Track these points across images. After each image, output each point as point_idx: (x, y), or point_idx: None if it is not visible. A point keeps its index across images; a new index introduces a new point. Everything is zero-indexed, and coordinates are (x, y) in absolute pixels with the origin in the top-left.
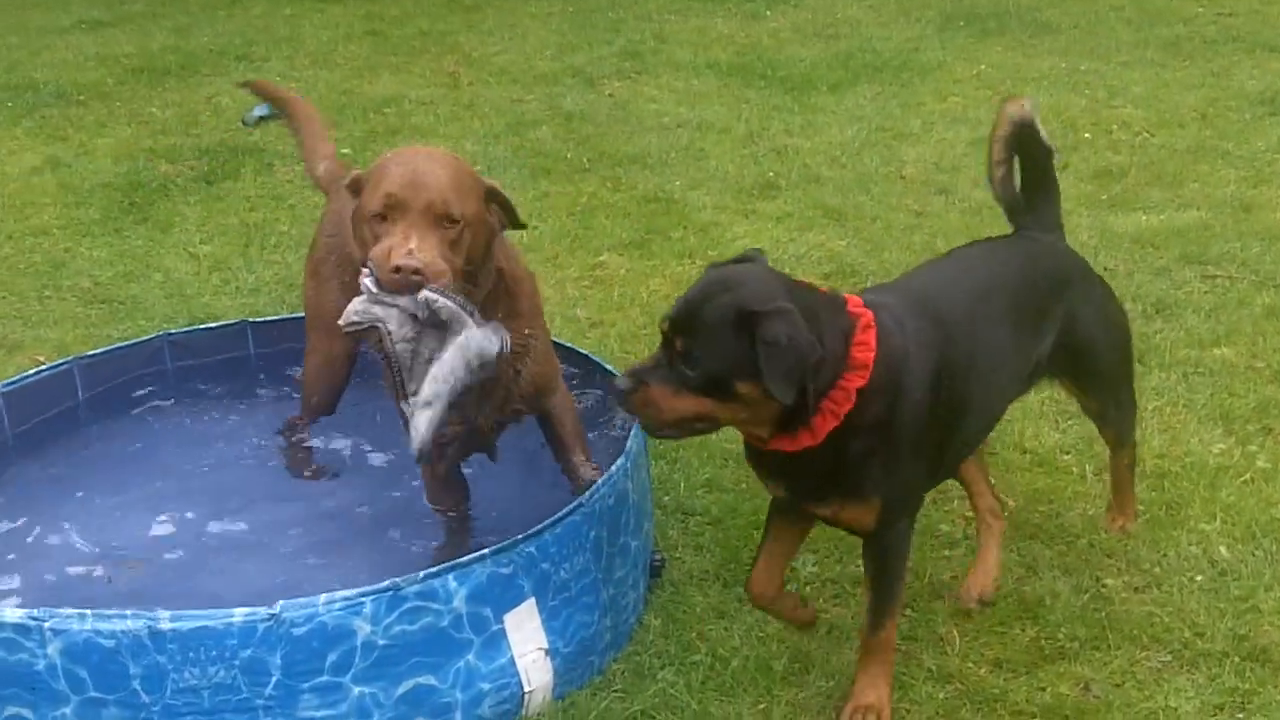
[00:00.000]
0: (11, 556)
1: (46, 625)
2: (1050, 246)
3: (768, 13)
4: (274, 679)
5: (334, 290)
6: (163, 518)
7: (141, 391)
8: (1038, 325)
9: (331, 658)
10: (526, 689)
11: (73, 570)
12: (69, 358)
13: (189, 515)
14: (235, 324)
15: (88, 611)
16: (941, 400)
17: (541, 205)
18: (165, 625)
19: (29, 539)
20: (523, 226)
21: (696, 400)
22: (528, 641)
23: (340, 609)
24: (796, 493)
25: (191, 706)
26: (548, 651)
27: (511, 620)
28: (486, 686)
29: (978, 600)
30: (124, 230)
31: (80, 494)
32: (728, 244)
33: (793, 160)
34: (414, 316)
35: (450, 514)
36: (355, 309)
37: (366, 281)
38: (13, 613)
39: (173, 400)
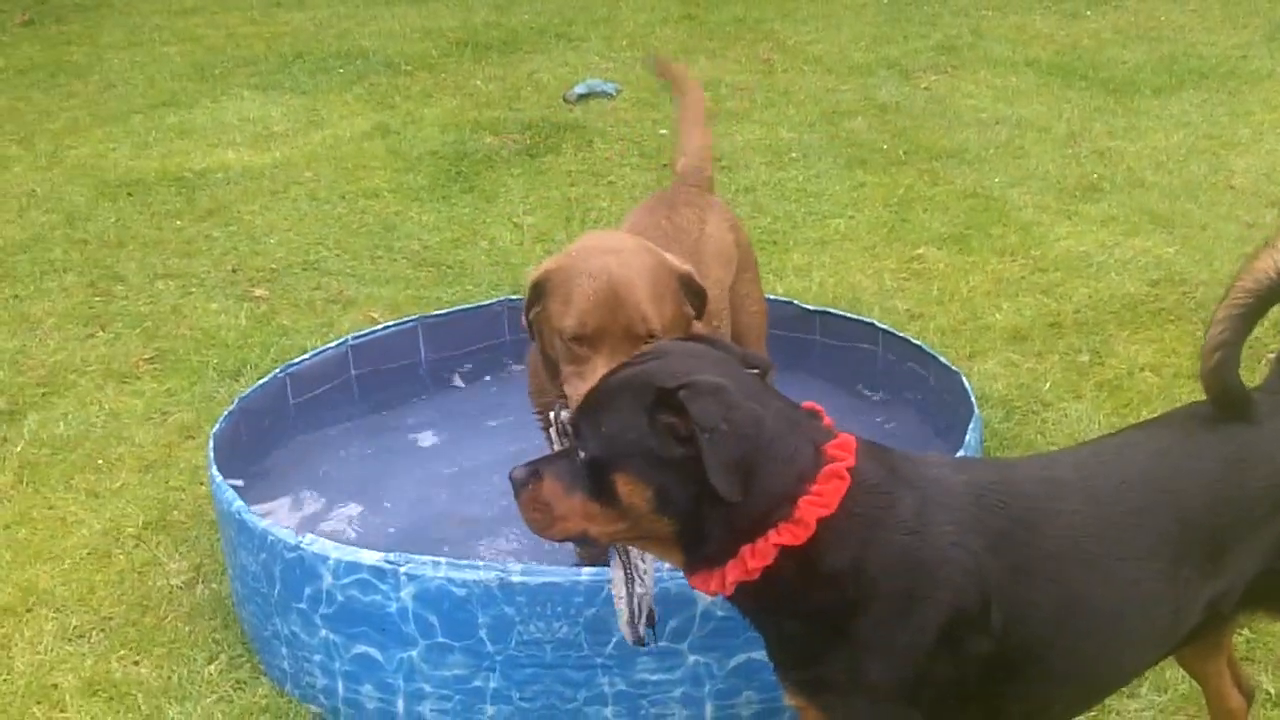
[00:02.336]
0: (354, 507)
1: (402, 570)
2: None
3: (1088, 12)
4: (615, 639)
5: None
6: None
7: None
8: (1221, 557)
9: (672, 624)
10: None
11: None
12: (412, 316)
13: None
14: None
15: (442, 560)
16: (966, 650)
17: (858, 195)
18: (516, 578)
19: (369, 490)
20: (702, 315)
21: (584, 502)
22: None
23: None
24: (770, 656)
25: (533, 659)
26: None
27: None
28: None
29: None
30: (451, 198)
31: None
32: (1050, 244)
33: (1116, 163)
34: None
35: None
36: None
37: (564, 415)
38: (371, 555)
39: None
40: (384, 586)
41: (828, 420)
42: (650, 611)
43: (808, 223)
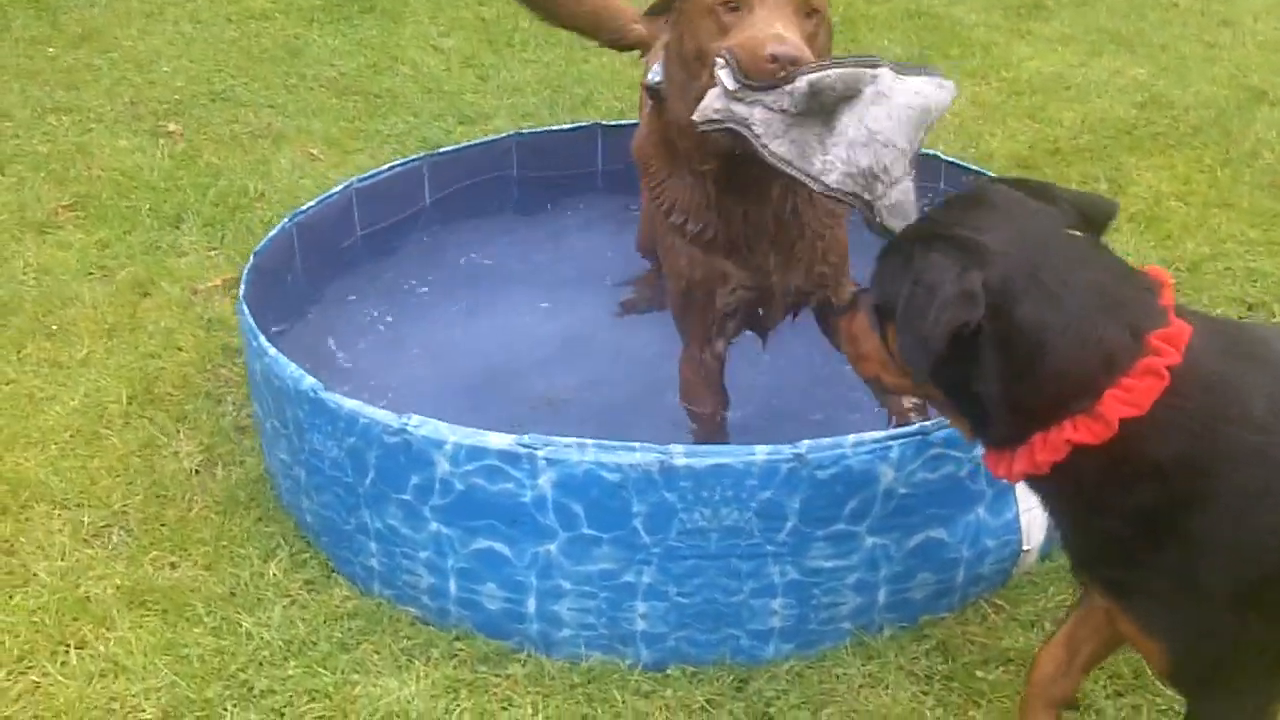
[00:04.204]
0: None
1: (540, 454)
2: None
3: None
4: (789, 524)
5: None
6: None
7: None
8: None
9: (851, 504)
10: (1025, 547)
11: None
12: (418, 155)
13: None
14: (587, 126)
15: (589, 442)
16: None
17: None
18: (680, 461)
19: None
20: None
21: (878, 348)
22: (1031, 495)
23: (867, 453)
24: (1068, 548)
25: (696, 550)
26: None
27: None
28: (991, 543)
29: None
30: (352, 18)
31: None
32: (1017, 66)
33: None
34: (783, 111)
35: (704, 417)
36: (714, 105)
37: (722, 74)
38: (500, 438)
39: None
40: (517, 474)
41: (1168, 298)
42: None
43: None
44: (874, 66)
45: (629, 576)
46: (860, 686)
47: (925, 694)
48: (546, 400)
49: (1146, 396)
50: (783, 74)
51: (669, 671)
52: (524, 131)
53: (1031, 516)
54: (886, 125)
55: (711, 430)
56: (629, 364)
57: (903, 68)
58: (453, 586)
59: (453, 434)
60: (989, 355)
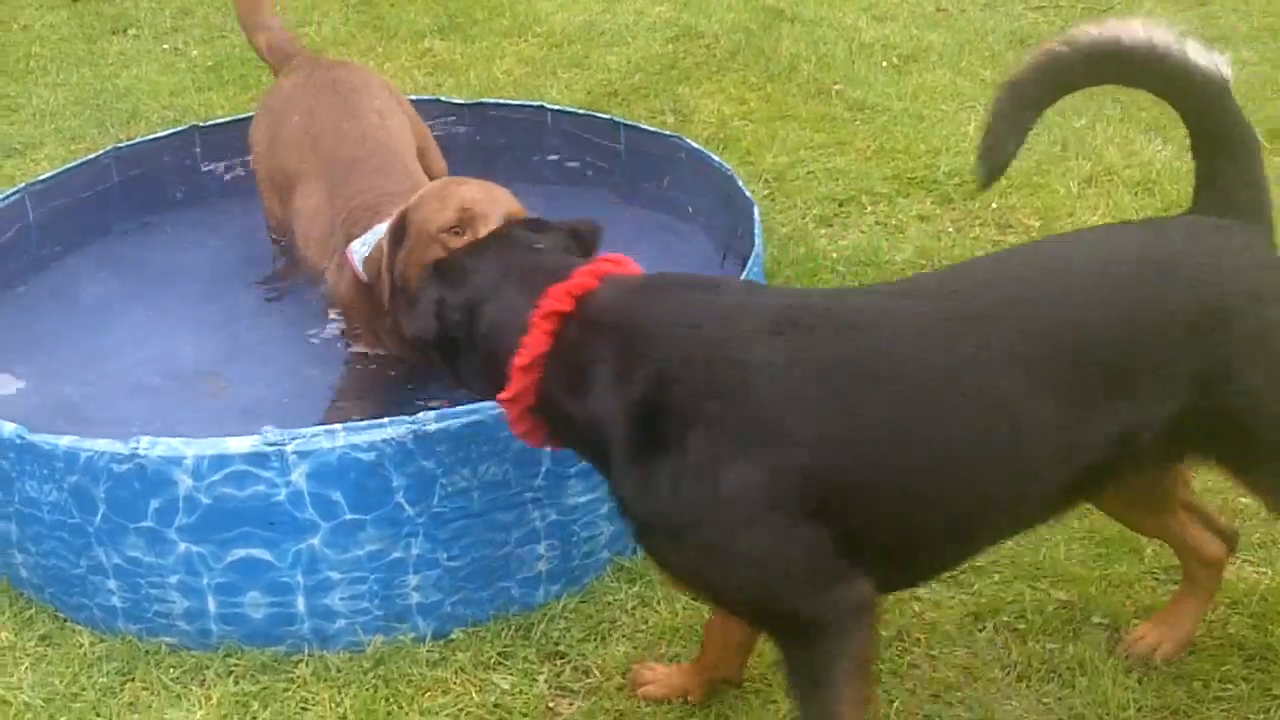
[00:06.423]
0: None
1: (290, 449)
2: (1207, 249)
3: None
4: (543, 468)
5: None
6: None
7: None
8: (1125, 384)
9: None
10: None
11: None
12: (16, 188)
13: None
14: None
15: (338, 427)
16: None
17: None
18: (433, 426)
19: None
20: None
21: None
22: None
23: None
24: None
25: (460, 511)
26: None
27: None
28: None
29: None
30: None
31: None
32: (546, 20)
33: None
34: None
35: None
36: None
37: None
38: (241, 443)
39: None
40: (267, 474)
41: (581, 275)
42: None
43: None
44: None
45: (398, 552)
46: (633, 608)
47: (696, 604)
48: (211, 393)
49: (540, 342)
50: None
51: (453, 636)
52: (120, 146)
53: None
54: None
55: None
56: (291, 348)
57: None
58: (211, 605)
59: (190, 448)
60: (465, 344)
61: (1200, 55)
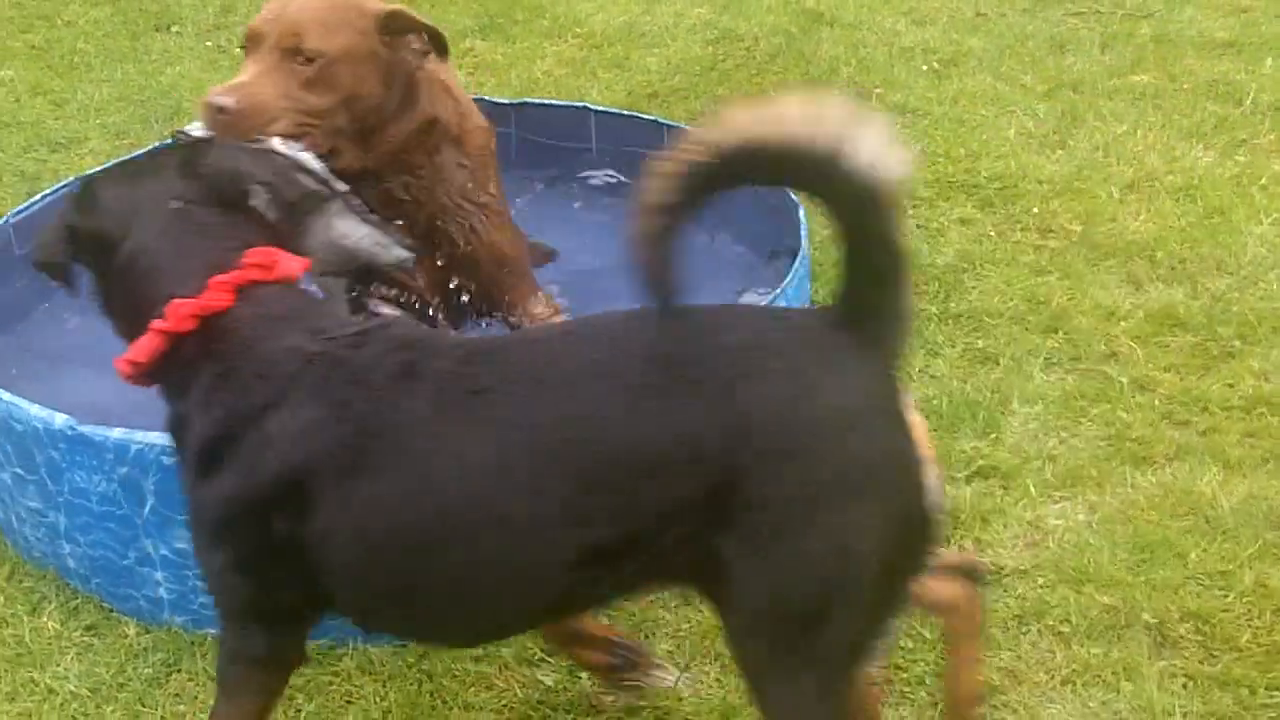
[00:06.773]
0: None
1: None
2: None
3: None
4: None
5: None
6: None
7: None
8: (601, 503)
9: None
10: None
11: None
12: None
13: None
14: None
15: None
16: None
17: None
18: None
19: None
20: (445, 53)
21: None
22: None
23: None
24: None
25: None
26: None
27: None
28: None
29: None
30: None
31: None
32: (585, 21)
33: None
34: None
35: None
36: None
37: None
38: None
39: None
40: None
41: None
42: None
43: None
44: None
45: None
46: (676, 607)
47: None
48: None
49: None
50: (221, 120)
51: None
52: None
53: None
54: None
55: None
56: None
57: (357, 209)
58: None
59: None
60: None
61: (872, 157)
